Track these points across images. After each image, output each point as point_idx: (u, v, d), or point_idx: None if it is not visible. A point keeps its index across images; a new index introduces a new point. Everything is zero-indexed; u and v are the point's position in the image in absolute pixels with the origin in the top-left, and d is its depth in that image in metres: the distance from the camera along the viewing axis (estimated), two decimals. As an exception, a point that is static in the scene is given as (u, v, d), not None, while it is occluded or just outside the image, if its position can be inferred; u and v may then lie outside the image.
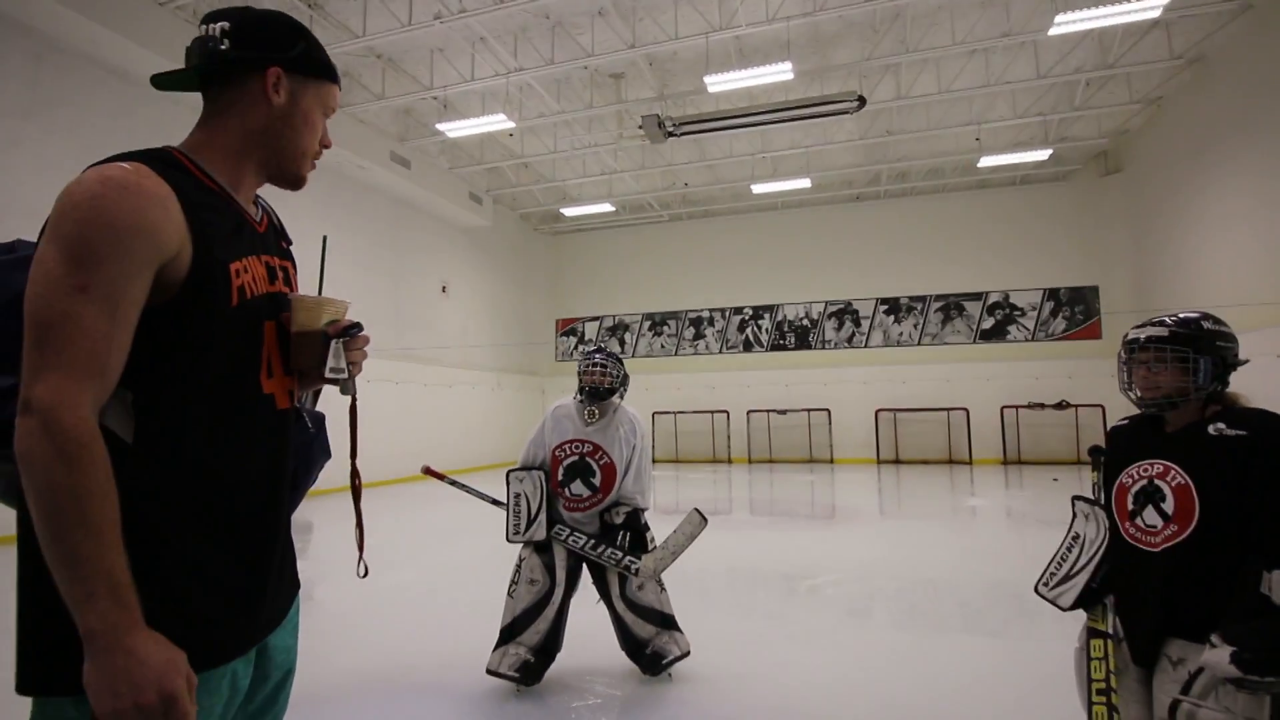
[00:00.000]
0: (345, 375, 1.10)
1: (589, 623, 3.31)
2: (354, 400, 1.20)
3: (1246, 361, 1.73)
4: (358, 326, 1.13)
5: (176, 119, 8.04)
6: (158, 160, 0.96)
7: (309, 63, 1.09)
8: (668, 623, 3.07)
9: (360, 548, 1.29)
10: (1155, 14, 8.37)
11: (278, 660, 1.13)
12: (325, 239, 1.32)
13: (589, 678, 3.12)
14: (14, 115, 7.30)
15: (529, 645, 2.93)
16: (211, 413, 0.97)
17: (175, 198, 0.92)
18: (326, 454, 1.31)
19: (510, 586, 3.05)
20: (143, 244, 0.87)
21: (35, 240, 0.92)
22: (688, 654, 3.03)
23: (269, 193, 1.19)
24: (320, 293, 1.17)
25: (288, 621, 1.15)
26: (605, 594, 3.09)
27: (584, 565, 3.12)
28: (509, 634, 2.96)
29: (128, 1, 7.87)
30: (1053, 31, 8.68)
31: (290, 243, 1.23)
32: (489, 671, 2.88)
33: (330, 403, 1.31)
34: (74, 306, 0.83)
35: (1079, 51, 10.60)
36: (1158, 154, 13.00)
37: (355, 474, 1.26)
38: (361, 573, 1.30)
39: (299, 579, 1.21)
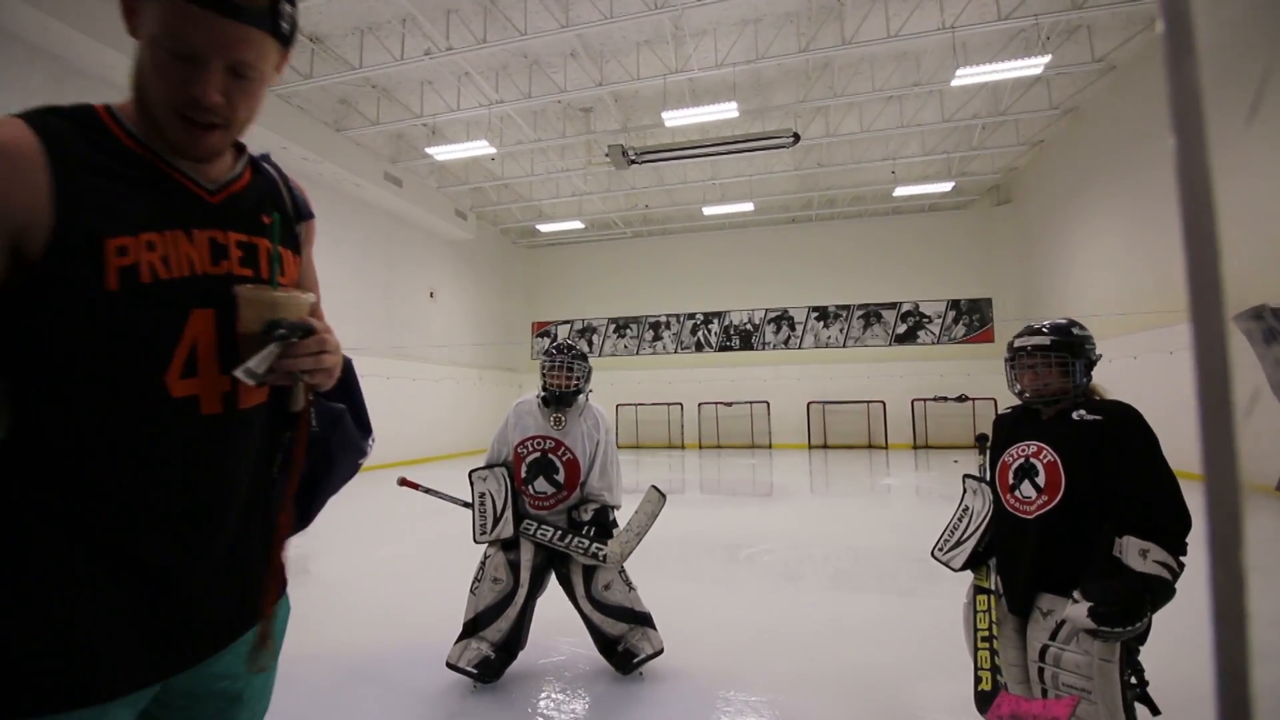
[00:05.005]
0: (259, 380, 0.78)
1: (558, 617, 2.97)
2: (305, 416, 0.86)
3: (1101, 356, 1.80)
4: (299, 330, 0.79)
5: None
6: (59, 114, 0.71)
7: None
8: (640, 620, 2.64)
9: (275, 590, 0.89)
10: (1038, 71, 8.69)
11: (209, 689, 0.84)
12: (276, 217, 0.88)
13: (555, 674, 2.69)
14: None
15: (491, 641, 2.53)
16: (94, 416, 0.71)
17: (42, 156, 0.67)
18: (358, 451, 1.01)
19: (473, 583, 2.62)
20: None
21: None
22: (660, 652, 2.59)
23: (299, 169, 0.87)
24: (273, 284, 0.85)
25: (230, 651, 0.86)
26: (571, 596, 2.66)
27: (552, 567, 2.70)
28: (471, 628, 2.56)
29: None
30: (955, 83, 8.92)
31: (296, 213, 0.93)
32: (448, 665, 2.48)
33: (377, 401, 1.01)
34: None
35: (976, 100, 10.94)
36: (1040, 188, 13.49)
37: (284, 506, 0.88)
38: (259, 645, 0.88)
39: (260, 602, 0.88)
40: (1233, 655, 0.30)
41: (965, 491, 1.99)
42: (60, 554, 0.70)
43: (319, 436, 0.95)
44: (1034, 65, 8.45)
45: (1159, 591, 1.48)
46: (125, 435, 0.73)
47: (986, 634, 1.74)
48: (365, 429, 1.04)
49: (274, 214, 0.88)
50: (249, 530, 0.86)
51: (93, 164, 0.71)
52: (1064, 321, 1.79)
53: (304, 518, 1.00)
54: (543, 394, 2.73)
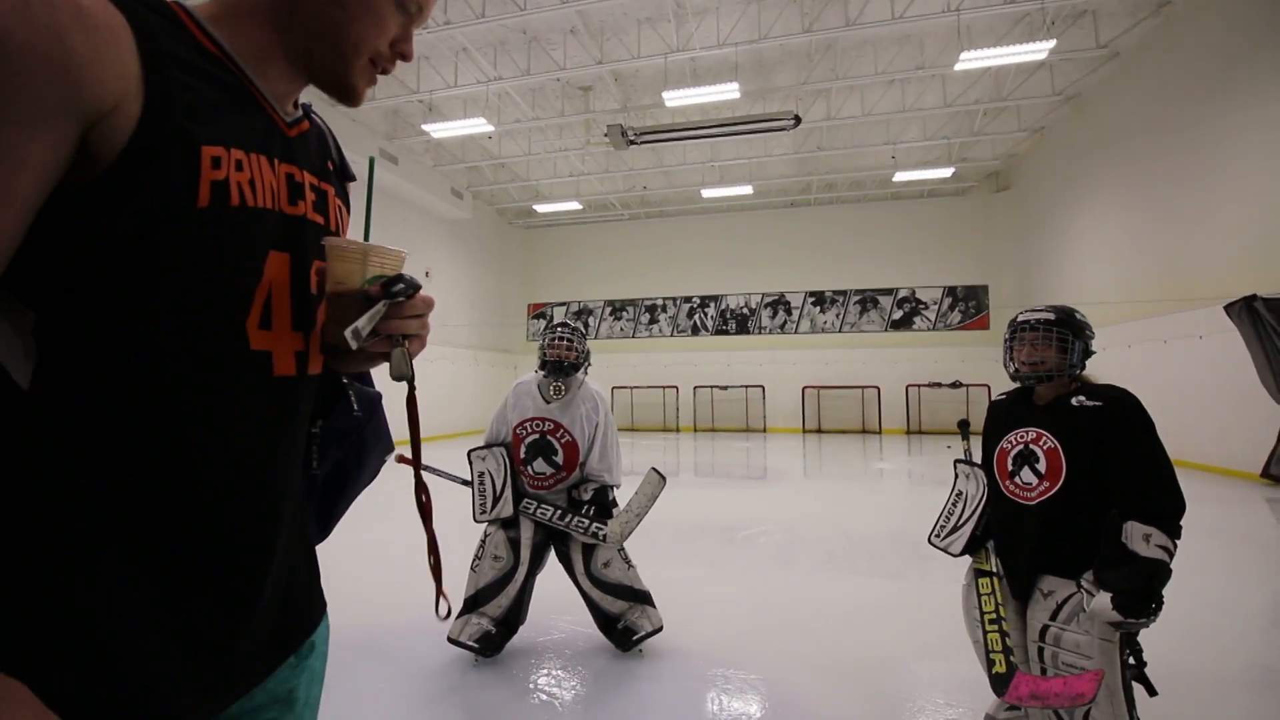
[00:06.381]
0: (363, 343, 0.67)
1: (558, 596, 3.02)
2: (411, 388, 0.76)
3: (1095, 353, 1.82)
4: (410, 285, 0.69)
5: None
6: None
7: None
8: (639, 598, 2.66)
9: (437, 577, 0.82)
10: (1041, 56, 8.61)
11: (260, 704, 0.70)
12: (372, 160, 0.83)
13: (555, 651, 2.71)
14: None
15: (491, 617, 2.57)
16: (157, 362, 0.56)
17: (129, 32, 0.53)
18: (386, 447, 0.90)
19: (474, 560, 2.65)
20: (52, 79, 0.48)
21: None
22: (659, 629, 2.62)
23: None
24: (366, 236, 0.75)
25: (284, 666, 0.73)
26: (571, 573, 2.69)
27: (551, 545, 2.73)
28: (472, 604, 2.59)
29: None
30: (958, 67, 8.85)
31: (342, 172, 0.81)
32: (450, 640, 2.52)
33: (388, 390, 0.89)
34: None
35: (978, 86, 10.86)
36: (1040, 175, 13.45)
37: (421, 488, 0.81)
38: (444, 613, 0.82)
39: (315, 614, 0.78)
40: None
41: (957, 477, 2.00)
42: (104, 559, 0.54)
43: (357, 423, 0.85)
44: (1038, 50, 8.38)
45: (1162, 575, 1.51)
46: (196, 392, 0.59)
47: (994, 616, 1.75)
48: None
49: (370, 158, 0.83)
50: (296, 525, 0.74)
51: (181, 59, 0.58)
52: (1067, 307, 1.82)
53: (325, 527, 0.87)
54: (542, 367, 2.73)
